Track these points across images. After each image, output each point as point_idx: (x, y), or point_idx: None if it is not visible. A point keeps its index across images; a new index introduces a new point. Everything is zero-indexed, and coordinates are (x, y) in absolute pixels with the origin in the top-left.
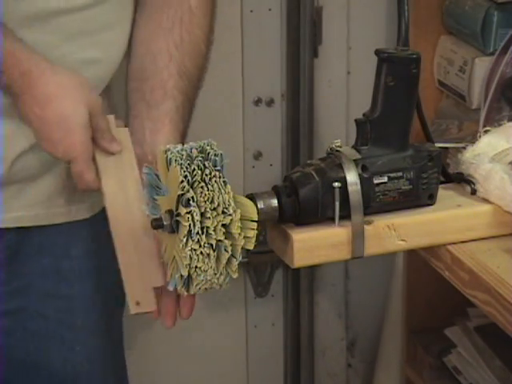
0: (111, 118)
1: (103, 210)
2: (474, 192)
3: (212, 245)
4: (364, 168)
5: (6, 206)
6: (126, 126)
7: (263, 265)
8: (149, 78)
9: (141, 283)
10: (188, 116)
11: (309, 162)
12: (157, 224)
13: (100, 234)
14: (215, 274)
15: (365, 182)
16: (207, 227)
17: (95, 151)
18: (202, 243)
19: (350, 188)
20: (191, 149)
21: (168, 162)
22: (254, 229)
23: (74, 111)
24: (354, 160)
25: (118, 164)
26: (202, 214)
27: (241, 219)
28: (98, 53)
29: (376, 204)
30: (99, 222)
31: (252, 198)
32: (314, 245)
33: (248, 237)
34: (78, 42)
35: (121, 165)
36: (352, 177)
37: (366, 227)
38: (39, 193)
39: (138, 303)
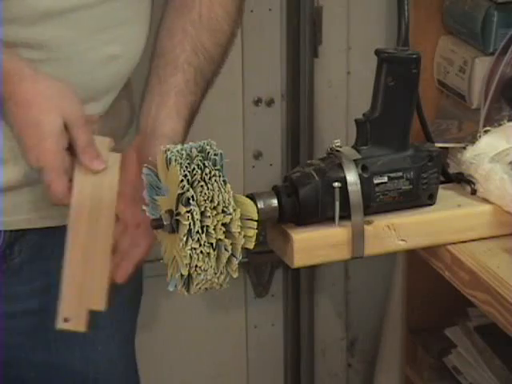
0: (105, 140)
1: None
2: (474, 192)
3: (212, 244)
4: (364, 168)
5: (30, 207)
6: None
7: (263, 265)
8: (164, 54)
9: (77, 301)
10: (201, 91)
11: (309, 161)
12: (157, 224)
13: None
14: (215, 274)
15: (365, 182)
16: (207, 226)
17: (76, 167)
18: (202, 242)
19: (349, 188)
20: (191, 148)
21: (168, 162)
22: (254, 228)
23: (45, 118)
24: (354, 160)
25: (97, 185)
26: (202, 213)
27: (241, 218)
28: (118, 49)
29: (376, 204)
30: None
31: (252, 197)
32: (314, 245)
33: (248, 236)
34: (98, 38)
35: (99, 187)
36: (352, 177)
37: (366, 227)
38: None
39: (66, 320)
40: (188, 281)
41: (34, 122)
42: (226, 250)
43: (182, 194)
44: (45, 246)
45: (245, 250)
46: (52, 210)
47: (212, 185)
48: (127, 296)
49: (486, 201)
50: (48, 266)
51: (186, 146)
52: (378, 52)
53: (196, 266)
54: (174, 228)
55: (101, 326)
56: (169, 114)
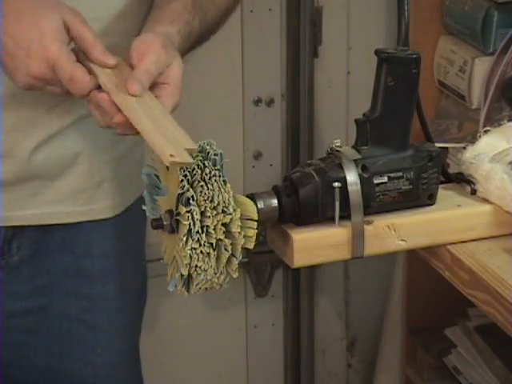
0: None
1: (128, 210)
2: (474, 192)
3: (212, 244)
4: (364, 168)
5: (27, 203)
6: None
7: (263, 265)
8: None
9: (171, 144)
10: (199, 18)
11: (309, 161)
12: (157, 224)
13: (124, 234)
14: (215, 274)
15: (365, 182)
16: (207, 226)
17: (92, 67)
18: (202, 242)
19: (349, 188)
20: None
21: None
22: (254, 228)
23: (43, 18)
24: (354, 160)
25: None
26: (202, 213)
27: (241, 218)
28: (112, 41)
29: (376, 204)
30: (124, 222)
31: (252, 197)
32: (314, 245)
33: (248, 236)
34: (93, 28)
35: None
36: (352, 177)
37: (366, 227)
38: (61, 190)
39: (172, 155)
40: (188, 281)
41: (33, 23)
42: (225, 250)
43: (182, 194)
44: (45, 244)
45: (245, 249)
46: (50, 207)
47: (212, 185)
48: (130, 299)
49: (486, 201)
50: (48, 264)
51: None
52: (377, 52)
53: (196, 266)
54: (174, 228)
55: (100, 328)
56: (162, 23)
